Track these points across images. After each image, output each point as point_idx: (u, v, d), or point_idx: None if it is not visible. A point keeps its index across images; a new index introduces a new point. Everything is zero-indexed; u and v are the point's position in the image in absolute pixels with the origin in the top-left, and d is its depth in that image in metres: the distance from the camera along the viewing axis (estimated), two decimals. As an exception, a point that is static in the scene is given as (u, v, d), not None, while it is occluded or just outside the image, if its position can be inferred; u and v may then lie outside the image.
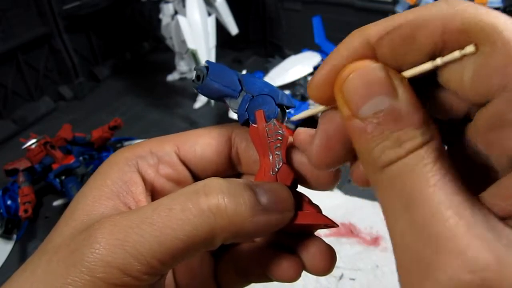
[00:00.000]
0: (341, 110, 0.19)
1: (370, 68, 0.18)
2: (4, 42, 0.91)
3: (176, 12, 0.96)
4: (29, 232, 0.67)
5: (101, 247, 0.19)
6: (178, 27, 0.91)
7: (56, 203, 0.72)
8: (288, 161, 0.25)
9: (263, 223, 0.22)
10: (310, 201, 0.25)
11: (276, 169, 0.25)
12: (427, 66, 0.18)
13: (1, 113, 0.94)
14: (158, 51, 1.28)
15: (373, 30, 0.19)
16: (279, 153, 0.25)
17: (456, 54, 0.17)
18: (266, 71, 0.91)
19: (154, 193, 0.26)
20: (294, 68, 0.87)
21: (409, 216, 0.16)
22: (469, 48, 0.16)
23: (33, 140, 0.73)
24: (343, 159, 0.21)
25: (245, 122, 0.26)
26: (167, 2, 0.96)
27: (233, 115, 0.82)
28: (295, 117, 0.25)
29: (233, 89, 0.26)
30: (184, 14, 0.91)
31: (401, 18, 0.18)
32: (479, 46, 0.16)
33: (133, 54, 1.25)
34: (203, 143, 0.27)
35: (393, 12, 0.81)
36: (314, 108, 0.22)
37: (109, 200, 0.23)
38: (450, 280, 0.15)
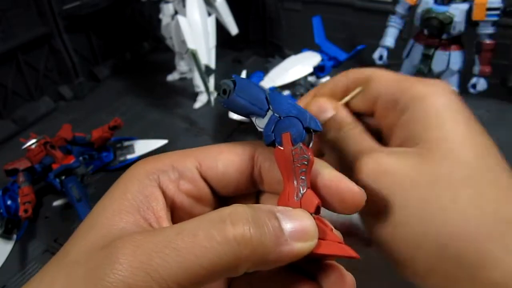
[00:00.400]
0: None
1: (322, 99, 0.34)
2: (4, 42, 0.91)
3: (176, 12, 0.96)
4: (29, 232, 0.67)
5: (124, 268, 0.19)
6: (178, 27, 0.91)
7: (56, 203, 0.72)
8: (313, 186, 0.25)
9: (286, 253, 0.22)
10: (332, 230, 0.25)
11: (300, 195, 0.25)
12: (347, 97, 0.34)
13: (1, 113, 0.94)
14: (158, 51, 1.28)
15: (315, 89, 0.36)
16: (304, 177, 0.25)
17: (357, 90, 0.33)
18: (266, 71, 0.91)
19: (173, 209, 0.26)
20: (294, 68, 0.87)
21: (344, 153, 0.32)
22: (360, 88, 0.33)
23: (33, 140, 0.72)
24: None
25: (271, 143, 0.25)
26: (167, 2, 0.96)
27: (233, 116, 0.82)
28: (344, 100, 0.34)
29: (260, 108, 0.25)
30: (184, 14, 0.91)
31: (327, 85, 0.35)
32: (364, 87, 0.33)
33: (133, 54, 1.25)
34: (226, 159, 0.27)
35: (393, 12, 0.81)
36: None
37: (130, 215, 0.23)
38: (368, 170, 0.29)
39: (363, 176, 0.28)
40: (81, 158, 0.76)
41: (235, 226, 0.20)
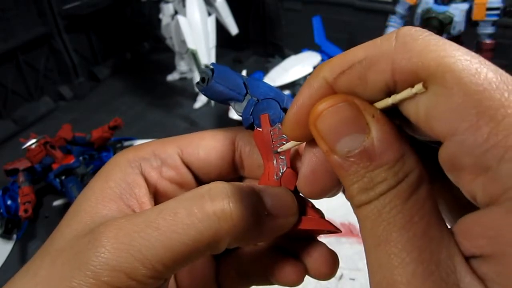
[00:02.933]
0: (319, 145, 0.19)
1: (340, 105, 0.18)
2: (4, 42, 0.91)
3: (176, 12, 0.96)
4: (29, 232, 0.67)
5: (106, 251, 0.19)
6: (178, 27, 0.91)
7: (56, 203, 0.72)
8: (292, 165, 0.25)
9: (267, 228, 0.22)
10: (313, 206, 0.25)
11: (280, 174, 0.25)
12: (390, 100, 0.17)
13: (1, 113, 0.94)
14: (158, 51, 1.28)
15: (328, 71, 0.19)
16: (283, 157, 0.25)
17: (407, 92, 0.17)
18: (266, 71, 0.91)
19: (157, 196, 0.26)
20: (294, 68, 0.87)
21: (375, 256, 0.17)
22: (418, 87, 0.16)
23: (33, 140, 0.72)
24: (330, 189, 0.21)
25: (249, 126, 0.26)
26: (167, 2, 0.96)
27: (234, 115, 0.82)
28: (280, 149, 0.25)
29: (238, 93, 0.25)
30: (184, 14, 0.91)
31: (352, 56, 0.18)
32: (428, 85, 0.16)
33: (133, 54, 1.25)
34: (207, 146, 0.27)
35: (393, 12, 0.81)
36: (294, 142, 0.23)
37: (113, 202, 0.23)
38: None
39: None
40: (81, 158, 0.76)
41: (214, 201, 0.20)
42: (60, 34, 1.03)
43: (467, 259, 0.16)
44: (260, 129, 0.25)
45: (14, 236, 0.66)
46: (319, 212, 0.25)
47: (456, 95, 0.15)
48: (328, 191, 0.22)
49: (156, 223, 0.20)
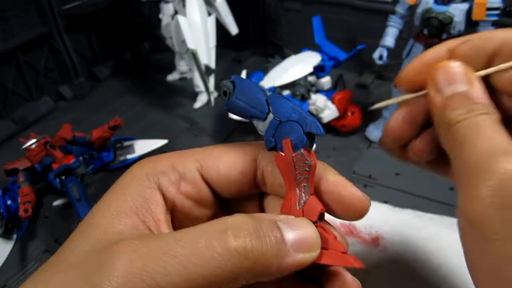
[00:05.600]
0: (429, 90, 0.26)
1: (454, 64, 0.25)
2: (4, 42, 0.91)
3: (176, 12, 0.96)
4: (29, 232, 0.67)
5: (120, 275, 0.19)
6: (178, 27, 0.91)
7: (56, 203, 0.72)
8: (316, 191, 0.25)
9: (288, 264, 0.22)
10: (336, 238, 0.24)
11: (303, 202, 0.24)
12: (492, 69, 0.25)
13: (1, 113, 0.94)
14: (158, 51, 1.28)
15: (451, 43, 0.27)
16: (306, 184, 0.24)
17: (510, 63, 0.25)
18: (266, 71, 0.91)
19: (172, 211, 0.26)
20: (294, 68, 0.87)
21: (468, 148, 0.23)
22: None
23: (33, 140, 0.72)
24: (412, 135, 0.29)
25: (272, 148, 0.25)
26: (167, 2, 0.96)
27: (233, 116, 0.82)
28: (378, 105, 0.29)
29: (261, 111, 0.25)
30: (184, 14, 0.91)
31: (485, 35, 0.26)
32: None
33: (133, 54, 1.25)
34: (228, 161, 0.26)
35: (393, 12, 0.81)
36: (400, 96, 0.29)
37: (128, 218, 0.23)
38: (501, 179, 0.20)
39: (495, 182, 0.20)
40: (81, 158, 0.76)
41: (237, 237, 0.20)
42: (60, 34, 1.03)
43: None
44: (282, 154, 0.24)
45: (14, 236, 0.66)
46: (343, 242, 0.24)
47: None
48: (407, 138, 0.29)
49: (174, 251, 0.19)
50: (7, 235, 0.65)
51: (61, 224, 0.69)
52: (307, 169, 0.24)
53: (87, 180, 0.72)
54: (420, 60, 0.27)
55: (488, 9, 0.71)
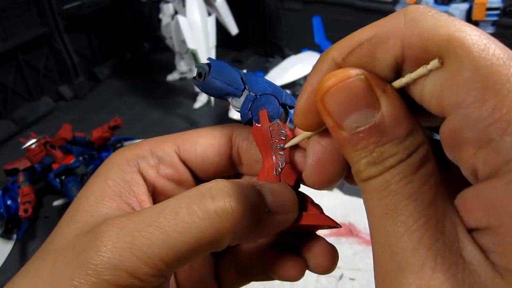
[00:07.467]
0: (325, 121, 0.18)
1: (351, 79, 0.18)
2: (4, 42, 0.91)
3: (176, 12, 0.96)
4: (29, 232, 0.67)
5: (108, 250, 0.19)
6: (178, 27, 0.91)
7: (56, 203, 0.72)
8: (291, 161, 0.25)
9: (268, 224, 0.22)
10: (312, 202, 0.25)
11: (279, 169, 0.25)
12: (404, 80, 0.17)
13: (1, 113, 0.94)
14: (158, 51, 1.28)
15: (336, 51, 0.19)
16: (282, 153, 0.25)
17: (422, 70, 0.17)
18: (266, 71, 0.91)
19: (155, 194, 0.26)
20: (294, 68, 0.87)
21: (382, 225, 0.18)
22: (434, 63, 0.16)
23: (33, 140, 0.73)
24: (338, 177, 0.22)
25: (248, 121, 0.25)
26: (167, 2, 0.96)
27: (234, 115, 0.82)
28: (287, 145, 0.25)
29: (236, 88, 0.25)
30: (184, 14, 0.91)
31: (361, 35, 0.18)
32: (444, 60, 0.16)
33: (133, 54, 1.25)
34: (204, 143, 0.27)
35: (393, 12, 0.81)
36: (302, 134, 0.23)
37: (112, 201, 0.23)
38: None
39: None
40: (81, 158, 0.76)
41: (215, 199, 0.20)
42: (60, 34, 1.03)
43: (469, 231, 0.17)
44: (259, 125, 0.25)
45: (14, 236, 0.66)
46: (318, 207, 0.25)
47: (466, 70, 0.15)
48: (334, 180, 0.22)
49: (157, 222, 0.20)
50: (7, 235, 0.65)
51: (61, 224, 0.69)
52: (283, 138, 0.25)
53: (87, 180, 0.72)
54: (304, 89, 0.20)
55: (488, 9, 0.71)
